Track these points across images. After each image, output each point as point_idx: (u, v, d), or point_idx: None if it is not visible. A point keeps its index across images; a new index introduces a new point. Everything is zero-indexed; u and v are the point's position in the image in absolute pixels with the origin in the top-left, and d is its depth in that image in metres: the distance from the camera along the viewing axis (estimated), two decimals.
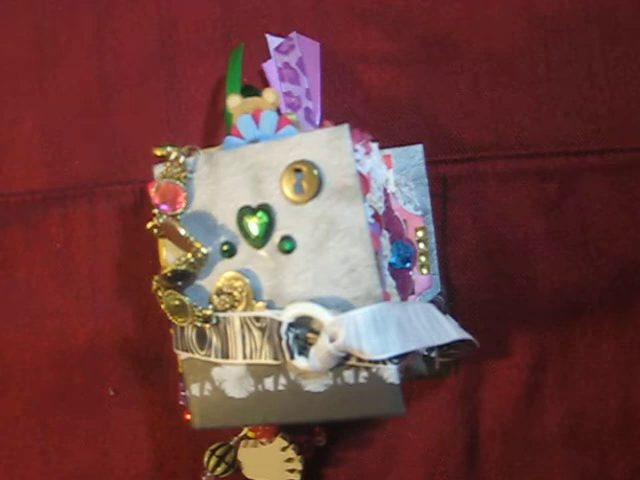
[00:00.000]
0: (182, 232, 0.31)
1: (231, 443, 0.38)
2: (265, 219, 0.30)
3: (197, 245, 0.31)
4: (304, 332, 0.29)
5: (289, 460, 0.37)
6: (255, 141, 0.31)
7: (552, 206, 0.36)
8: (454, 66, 0.39)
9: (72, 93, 0.44)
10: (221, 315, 0.31)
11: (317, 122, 0.36)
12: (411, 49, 0.40)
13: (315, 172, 0.29)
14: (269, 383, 0.31)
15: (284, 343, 0.29)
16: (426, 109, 0.40)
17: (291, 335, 0.29)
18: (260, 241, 0.30)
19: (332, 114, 0.37)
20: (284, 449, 0.37)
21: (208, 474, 0.38)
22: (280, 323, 0.29)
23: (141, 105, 0.43)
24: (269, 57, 0.36)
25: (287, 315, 0.29)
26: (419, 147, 0.37)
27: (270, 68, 0.35)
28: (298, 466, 0.37)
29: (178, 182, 0.31)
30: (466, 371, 0.39)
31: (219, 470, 0.38)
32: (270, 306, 0.30)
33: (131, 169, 0.43)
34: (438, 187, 0.39)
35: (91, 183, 0.43)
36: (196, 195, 0.32)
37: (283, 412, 0.31)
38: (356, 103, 0.40)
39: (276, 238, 0.30)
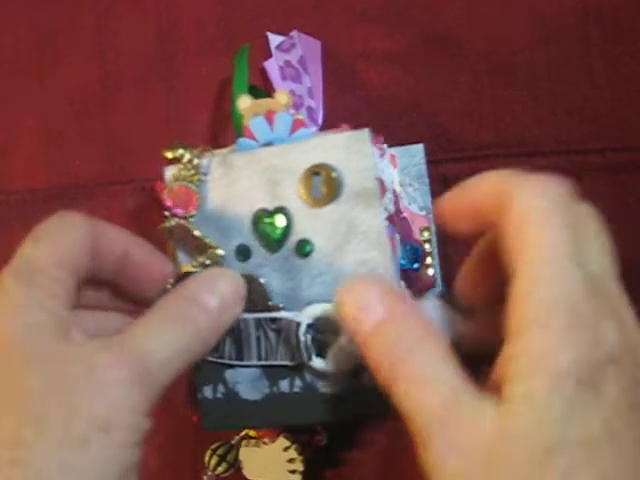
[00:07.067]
0: (197, 234, 0.31)
1: (232, 442, 0.38)
2: (282, 222, 0.30)
3: (214, 247, 0.30)
4: (322, 333, 0.29)
5: (291, 460, 0.37)
6: (269, 143, 0.31)
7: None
8: (454, 65, 0.39)
9: (72, 92, 0.44)
10: None
11: (319, 121, 0.36)
12: (412, 48, 0.40)
13: (334, 175, 0.29)
14: (284, 385, 0.31)
15: (302, 344, 0.29)
16: (426, 108, 0.40)
17: (309, 337, 0.29)
18: (277, 244, 0.30)
19: (333, 113, 0.37)
20: (286, 449, 0.37)
21: (209, 473, 0.38)
22: (298, 324, 0.29)
23: (141, 104, 0.43)
24: (270, 56, 0.36)
25: (306, 316, 0.29)
26: (420, 146, 0.37)
27: (272, 67, 0.35)
28: (299, 467, 0.37)
29: (191, 185, 0.31)
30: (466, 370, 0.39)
31: (220, 469, 0.38)
32: (286, 309, 0.30)
33: (131, 169, 0.43)
34: (439, 186, 0.39)
35: (91, 182, 0.43)
36: (209, 197, 0.31)
37: (298, 413, 0.31)
38: (356, 102, 0.40)
39: (293, 241, 0.30)
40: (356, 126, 0.33)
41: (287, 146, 0.30)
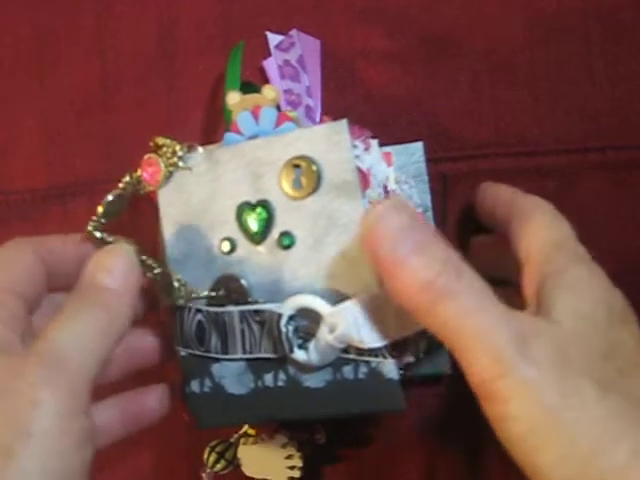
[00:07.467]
0: (109, 197, 0.32)
1: (231, 440, 0.38)
2: (264, 215, 0.30)
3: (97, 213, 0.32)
4: (304, 325, 0.29)
5: (289, 457, 0.37)
6: (254, 137, 0.31)
7: (552, 204, 0.37)
8: (454, 64, 0.39)
9: (72, 92, 0.44)
10: (220, 310, 0.31)
11: (317, 120, 0.36)
12: (411, 47, 0.40)
13: (314, 167, 0.29)
14: (269, 379, 0.31)
15: (284, 336, 0.29)
16: (426, 107, 0.40)
17: (290, 328, 0.29)
18: (259, 237, 0.31)
19: (332, 112, 0.37)
20: (284, 446, 0.37)
21: (208, 470, 0.38)
22: (280, 316, 0.29)
23: (141, 103, 0.43)
24: (269, 55, 0.36)
25: (287, 307, 0.29)
26: (419, 145, 0.37)
27: (270, 66, 0.36)
28: (298, 463, 0.37)
29: (161, 161, 0.31)
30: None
31: (219, 467, 0.38)
32: (269, 302, 0.30)
33: (131, 167, 0.43)
34: (438, 185, 0.39)
35: (91, 181, 0.43)
36: (195, 192, 0.32)
37: (282, 408, 0.31)
38: (356, 101, 0.40)
39: (275, 234, 0.30)
40: (356, 124, 0.33)
41: (269, 139, 0.31)
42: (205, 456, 0.38)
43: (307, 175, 0.29)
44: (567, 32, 0.39)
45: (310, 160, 0.29)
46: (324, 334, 0.28)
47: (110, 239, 0.32)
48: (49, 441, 0.24)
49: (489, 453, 0.39)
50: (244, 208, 0.31)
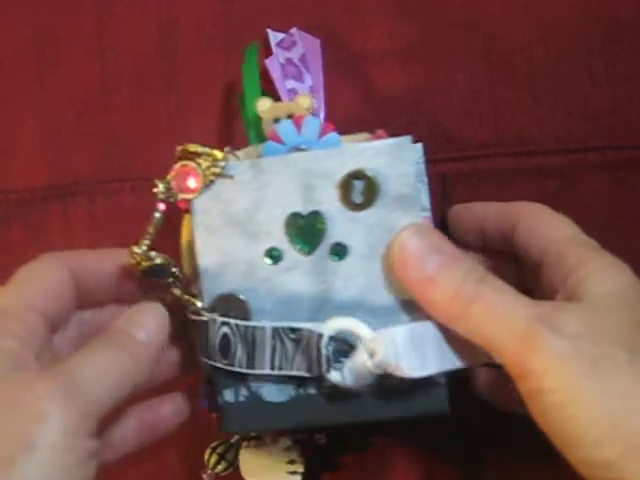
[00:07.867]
0: (157, 215, 0.31)
1: (232, 441, 0.38)
2: (319, 226, 0.30)
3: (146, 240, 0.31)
4: (343, 346, 0.29)
5: (291, 462, 0.37)
6: (297, 147, 0.31)
7: (552, 204, 0.37)
8: (454, 64, 0.39)
9: (72, 91, 0.44)
10: (251, 324, 0.31)
11: (321, 119, 0.36)
12: (411, 46, 0.40)
13: (374, 181, 0.29)
14: (311, 386, 0.31)
15: (323, 357, 0.29)
16: (426, 107, 0.40)
17: (331, 349, 0.29)
18: (310, 248, 0.30)
19: (332, 111, 0.37)
20: (287, 449, 0.36)
21: (209, 472, 0.38)
22: (321, 336, 0.29)
23: (141, 103, 0.43)
24: (270, 54, 0.36)
25: (328, 328, 0.29)
26: (419, 146, 0.37)
27: (273, 64, 0.35)
28: (299, 468, 0.37)
29: (199, 170, 0.31)
30: (467, 371, 0.39)
31: (220, 468, 0.37)
32: (316, 314, 0.30)
33: (131, 167, 0.43)
34: (438, 185, 0.39)
35: (91, 181, 0.43)
36: (238, 201, 0.31)
37: (326, 414, 0.31)
38: (356, 100, 0.40)
39: (327, 245, 0.30)
40: (356, 125, 0.33)
41: (326, 151, 0.31)
42: (206, 457, 0.38)
43: (368, 188, 0.30)
44: (567, 32, 0.39)
45: (371, 173, 0.30)
46: (363, 358, 0.28)
47: (153, 254, 0.32)
48: (53, 454, 0.24)
49: (487, 460, 0.39)
50: (295, 219, 0.31)
